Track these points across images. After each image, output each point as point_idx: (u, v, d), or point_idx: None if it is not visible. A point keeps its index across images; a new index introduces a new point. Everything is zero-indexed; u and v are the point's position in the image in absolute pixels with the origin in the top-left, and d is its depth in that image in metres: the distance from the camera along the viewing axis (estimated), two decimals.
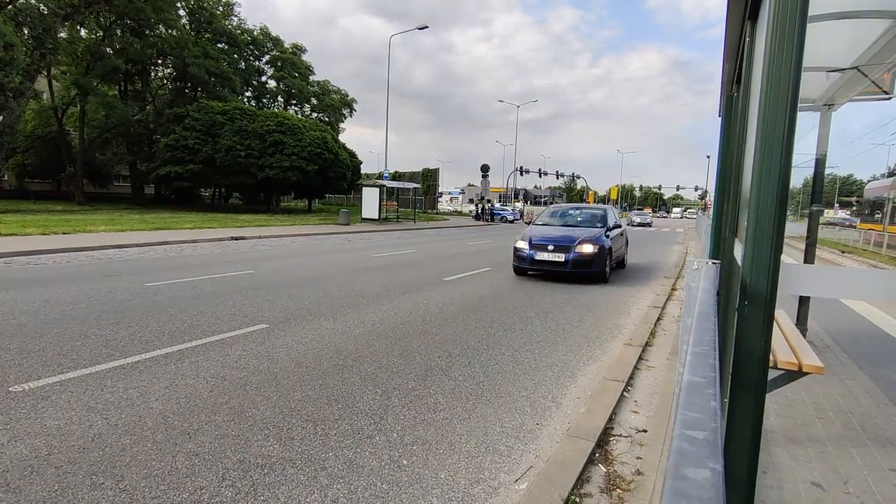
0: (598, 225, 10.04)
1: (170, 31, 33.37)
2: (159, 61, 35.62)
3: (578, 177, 77.08)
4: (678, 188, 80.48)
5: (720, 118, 4.53)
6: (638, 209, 73.58)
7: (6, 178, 37.51)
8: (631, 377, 4.22)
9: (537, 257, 9.07)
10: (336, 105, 46.91)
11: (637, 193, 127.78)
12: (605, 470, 2.78)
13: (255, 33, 41.50)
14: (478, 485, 2.58)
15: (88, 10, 27.99)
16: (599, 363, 4.64)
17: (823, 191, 5.69)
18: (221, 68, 34.85)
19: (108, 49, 31.16)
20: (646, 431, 3.27)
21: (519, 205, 55.41)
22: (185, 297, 6.61)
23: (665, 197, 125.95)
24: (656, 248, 19.20)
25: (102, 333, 4.86)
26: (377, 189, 29.01)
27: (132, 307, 5.96)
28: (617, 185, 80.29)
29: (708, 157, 54.86)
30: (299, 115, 40.96)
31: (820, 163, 5.04)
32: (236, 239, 15.65)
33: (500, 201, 56.12)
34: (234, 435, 2.96)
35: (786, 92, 1.29)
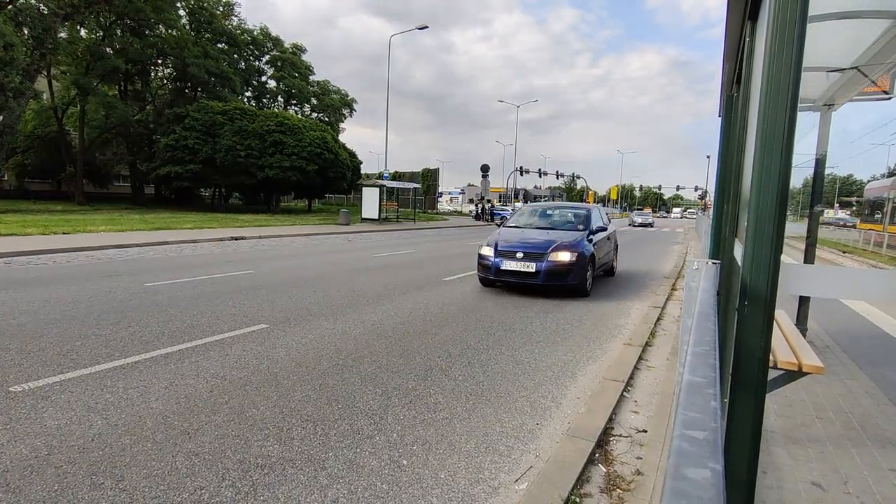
0: (580, 228, 8.61)
1: (170, 31, 33.37)
2: (159, 61, 35.62)
3: (578, 177, 77.14)
4: (678, 188, 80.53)
5: (720, 118, 4.53)
6: (638, 209, 73.58)
7: (6, 178, 37.51)
8: (631, 377, 4.22)
9: (504, 266, 7.56)
10: (336, 105, 46.91)
11: (637, 193, 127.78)
12: (605, 470, 2.78)
13: (255, 33, 41.50)
14: (478, 485, 2.58)
15: (88, 10, 27.99)
16: (599, 363, 4.64)
17: (823, 191, 5.69)
18: (221, 68, 34.86)
19: (108, 49, 31.16)
20: (646, 431, 3.27)
21: (519, 205, 55.35)
22: (185, 297, 6.61)
23: (665, 197, 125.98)
24: (655, 248, 19.14)
25: (102, 333, 4.86)
26: (377, 189, 29.00)
27: (132, 307, 5.96)
28: (617, 185, 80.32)
29: (708, 157, 54.91)
30: (299, 115, 40.95)
31: (820, 163, 5.04)
32: (236, 239, 15.65)
33: (500, 201, 56.12)
34: (234, 435, 2.96)
35: (786, 92, 1.29)
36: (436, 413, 3.40)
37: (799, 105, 1.33)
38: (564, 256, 7.46)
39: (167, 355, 4.31)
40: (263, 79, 44.40)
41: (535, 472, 2.70)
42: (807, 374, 2.72)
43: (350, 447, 2.89)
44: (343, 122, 48.88)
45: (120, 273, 8.45)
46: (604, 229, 9.01)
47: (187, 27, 35.76)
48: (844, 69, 3.84)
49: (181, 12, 34.89)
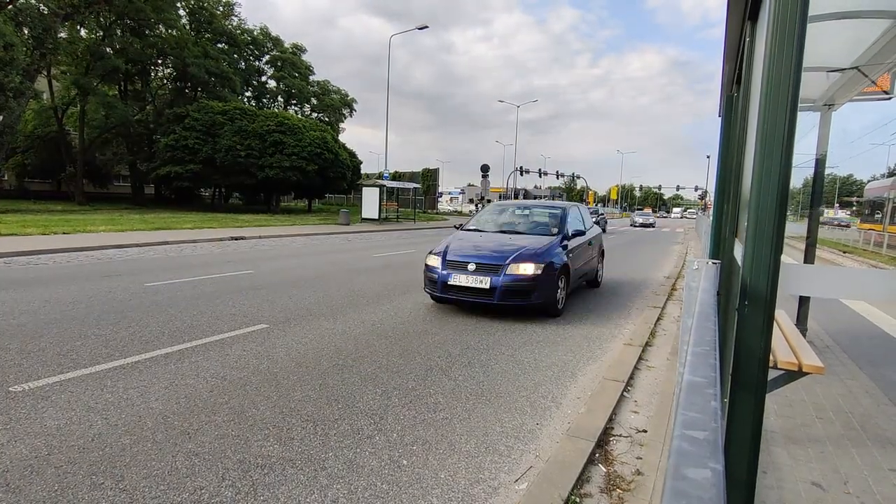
0: (553, 231, 7.09)
1: (170, 31, 33.37)
2: (159, 61, 35.61)
3: (578, 177, 77.13)
4: (678, 188, 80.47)
5: (720, 118, 4.53)
6: (638, 209, 73.55)
7: (6, 178, 37.51)
8: (631, 377, 4.22)
9: (452, 281, 6.06)
10: (336, 105, 46.92)
11: (637, 193, 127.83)
12: (605, 470, 2.78)
13: (255, 33, 41.50)
14: (478, 485, 2.58)
15: (88, 10, 27.99)
16: (599, 363, 4.64)
17: (823, 191, 5.69)
18: (221, 68, 34.86)
19: (108, 49, 31.16)
20: (646, 431, 3.27)
21: None
22: (185, 297, 6.61)
23: (665, 197, 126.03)
24: (653, 250, 19.07)
25: (102, 333, 4.86)
26: (377, 189, 29.00)
27: (132, 307, 5.96)
28: (617, 185, 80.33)
29: (708, 157, 54.90)
30: (299, 115, 40.96)
31: (820, 163, 5.04)
32: (236, 239, 15.65)
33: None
34: (234, 435, 2.96)
35: (786, 92, 1.29)
36: (436, 413, 3.40)
37: (799, 105, 1.33)
38: (527, 268, 5.94)
39: (167, 355, 4.31)
40: (263, 79, 44.41)
41: (535, 472, 2.70)
42: (807, 374, 2.73)
43: (350, 447, 2.89)
44: (343, 122, 48.91)
45: (120, 273, 8.45)
46: (581, 233, 7.42)
47: (187, 27, 35.76)
48: (844, 69, 3.84)
49: (181, 12, 34.90)
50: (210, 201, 40.85)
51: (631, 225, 39.27)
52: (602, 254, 9.31)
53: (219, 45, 37.29)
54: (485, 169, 46.17)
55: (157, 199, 39.19)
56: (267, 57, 43.34)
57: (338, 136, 41.25)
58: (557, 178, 59.84)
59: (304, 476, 2.58)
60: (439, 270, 6.25)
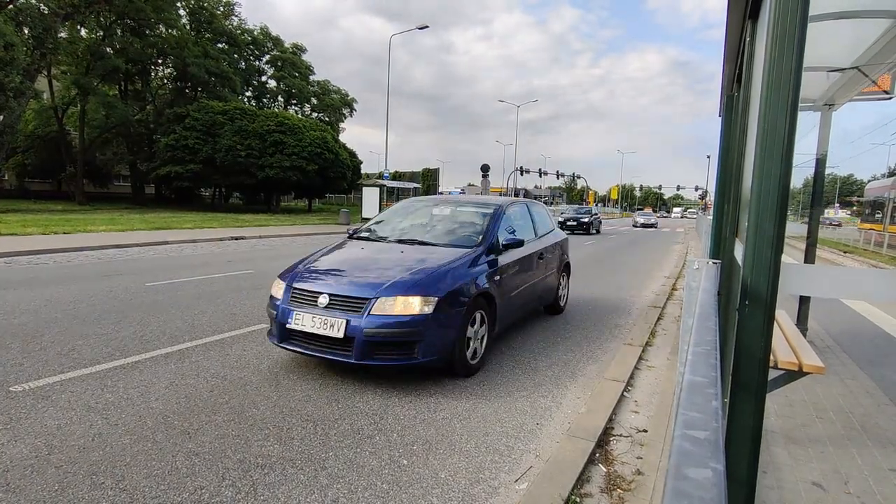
0: (474, 242, 4.70)
1: (170, 30, 33.37)
2: (159, 61, 35.62)
3: (579, 177, 77.07)
4: (678, 188, 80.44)
5: (720, 118, 4.53)
6: (639, 209, 73.53)
7: (6, 177, 37.52)
8: (631, 377, 4.22)
9: (293, 323, 3.87)
10: (336, 105, 46.92)
11: (637, 193, 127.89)
12: (605, 470, 2.78)
13: (256, 33, 41.50)
14: (478, 484, 2.58)
15: (89, 10, 27.99)
16: (599, 363, 4.64)
17: (824, 191, 5.69)
18: (221, 68, 34.86)
19: (108, 49, 31.17)
20: (646, 431, 3.27)
21: None
22: (186, 297, 6.61)
23: (665, 197, 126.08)
24: (650, 253, 18.83)
25: (103, 333, 4.86)
26: (377, 189, 29.00)
27: (133, 307, 5.96)
28: (617, 185, 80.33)
29: (708, 157, 54.88)
30: (299, 115, 40.96)
31: (820, 163, 5.04)
32: (236, 239, 15.66)
33: None
34: (234, 435, 2.96)
35: (786, 92, 1.29)
36: (436, 413, 3.40)
37: (799, 105, 1.33)
38: (409, 304, 3.71)
39: (167, 355, 4.31)
40: (263, 79, 44.41)
41: (535, 472, 2.70)
42: (807, 373, 2.73)
43: (350, 447, 2.89)
44: (343, 121, 48.92)
45: (120, 273, 8.45)
46: (520, 243, 5.02)
47: (187, 27, 35.76)
48: (845, 69, 3.85)
49: (181, 12, 34.90)
50: (210, 201, 40.86)
51: (633, 225, 39.11)
52: (566, 268, 6.85)
53: (219, 45, 37.29)
54: (485, 169, 46.15)
55: (157, 198, 39.20)
56: (267, 57, 43.34)
57: (338, 135, 41.26)
58: (558, 177, 59.87)
59: (304, 476, 2.58)
60: (280, 304, 4.00)
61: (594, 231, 26.26)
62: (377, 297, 3.72)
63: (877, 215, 24.59)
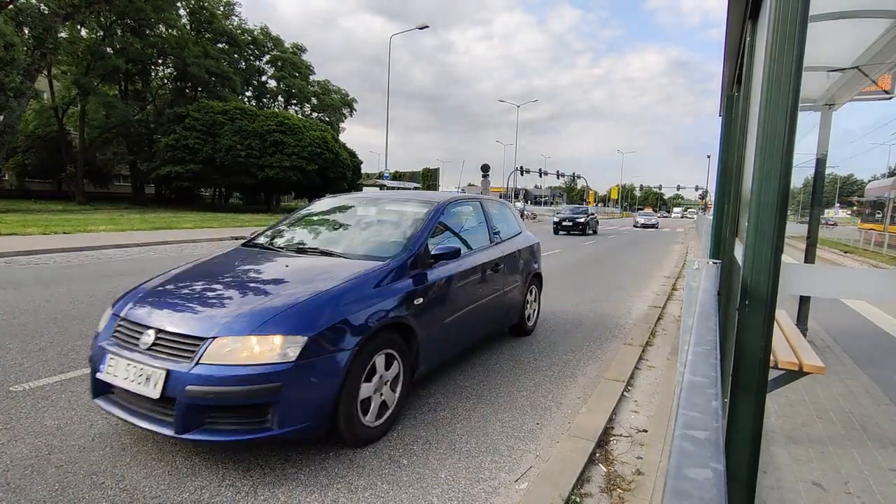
0: (388, 254, 3.49)
1: (170, 30, 33.41)
2: (160, 61, 35.64)
3: (579, 177, 77.06)
4: (679, 188, 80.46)
5: (721, 118, 4.53)
6: (639, 209, 73.52)
7: (7, 177, 37.54)
8: (631, 377, 4.22)
9: (103, 372, 2.70)
10: (336, 105, 46.97)
11: (637, 193, 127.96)
12: (605, 470, 2.78)
13: (256, 33, 41.53)
14: (478, 484, 2.58)
15: (89, 10, 28.00)
16: (600, 363, 4.64)
17: (824, 191, 5.69)
18: (222, 68, 34.90)
19: (108, 49, 31.19)
20: (646, 431, 3.27)
21: (520, 204, 55.54)
22: None
23: (665, 197, 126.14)
24: (650, 253, 18.98)
25: None
26: (377, 189, 29.04)
27: None
28: (617, 185, 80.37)
29: (708, 156, 54.88)
30: (299, 115, 41.00)
31: (820, 163, 5.04)
32: (237, 238, 15.66)
33: None
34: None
35: (786, 92, 1.29)
36: (436, 413, 3.40)
37: (799, 105, 1.33)
38: (263, 347, 2.54)
39: None
40: (264, 78, 44.45)
41: (535, 472, 2.70)
42: (807, 373, 2.73)
43: (350, 446, 2.89)
44: (343, 121, 48.99)
45: (121, 272, 8.45)
46: (456, 253, 3.73)
47: (188, 27, 35.79)
48: (845, 69, 3.85)
49: (181, 12, 34.92)
50: (210, 201, 40.87)
51: (634, 226, 38.90)
52: (537, 280, 5.67)
53: (219, 45, 37.33)
54: (485, 169, 46.16)
55: (157, 198, 39.21)
56: (267, 57, 43.38)
57: (338, 135, 41.30)
58: (558, 177, 59.89)
59: (304, 476, 2.58)
60: (98, 342, 2.89)
61: (590, 231, 25.62)
62: (214, 337, 2.51)
63: (877, 215, 24.60)
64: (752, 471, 1.42)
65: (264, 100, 44.77)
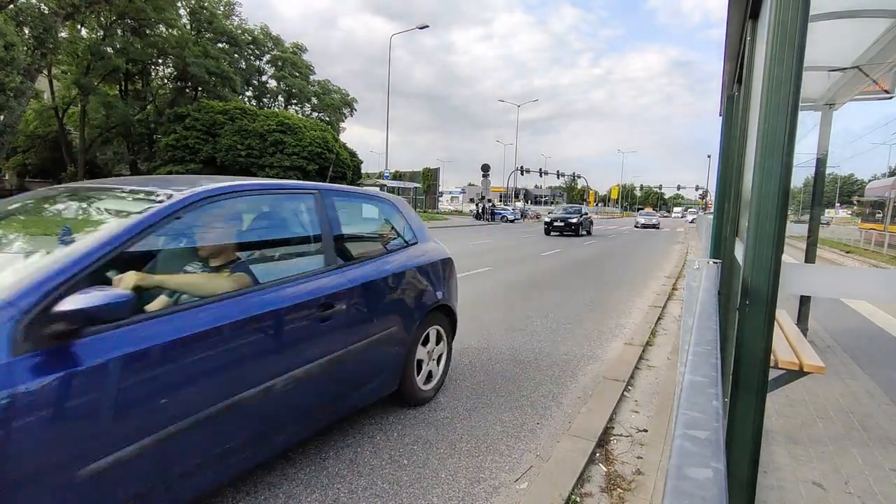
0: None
1: (170, 30, 33.39)
2: (160, 61, 35.63)
3: (579, 176, 77.16)
4: (679, 188, 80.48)
5: (721, 118, 4.52)
6: (640, 208, 73.53)
7: (7, 177, 37.55)
8: (631, 377, 4.22)
9: None
10: (336, 105, 46.96)
11: (638, 193, 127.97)
12: (605, 469, 2.78)
13: (256, 33, 41.51)
14: (478, 484, 2.58)
15: (89, 10, 27.99)
16: (600, 362, 4.64)
17: (824, 190, 5.68)
18: (222, 68, 34.88)
19: (108, 49, 31.17)
20: (646, 431, 3.27)
21: (520, 204, 55.57)
22: None
23: (666, 196, 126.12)
24: (650, 253, 18.97)
25: None
26: (378, 189, 29.04)
27: None
28: (617, 185, 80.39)
29: (709, 156, 54.86)
30: (300, 115, 41.00)
31: (821, 162, 5.03)
32: None
33: (500, 201, 56.19)
34: None
35: (787, 91, 1.29)
36: (436, 412, 3.40)
37: (800, 105, 1.33)
38: None
39: None
40: (264, 78, 44.44)
41: (535, 472, 2.70)
42: (808, 373, 2.73)
43: (350, 446, 2.89)
44: (343, 121, 48.96)
45: None
46: (115, 308, 1.58)
47: (188, 27, 35.78)
48: (845, 68, 3.84)
49: (182, 12, 34.92)
50: None
51: (634, 226, 38.45)
52: (444, 316, 3.70)
53: (219, 45, 37.31)
54: (485, 168, 46.17)
55: None
56: (267, 56, 43.36)
57: (338, 135, 41.30)
58: (558, 177, 59.94)
59: (304, 475, 2.58)
60: None
61: (584, 232, 24.52)
62: None
63: (877, 215, 24.59)
64: (752, 470, 1.42)
65: (264, 99, 44.77)
